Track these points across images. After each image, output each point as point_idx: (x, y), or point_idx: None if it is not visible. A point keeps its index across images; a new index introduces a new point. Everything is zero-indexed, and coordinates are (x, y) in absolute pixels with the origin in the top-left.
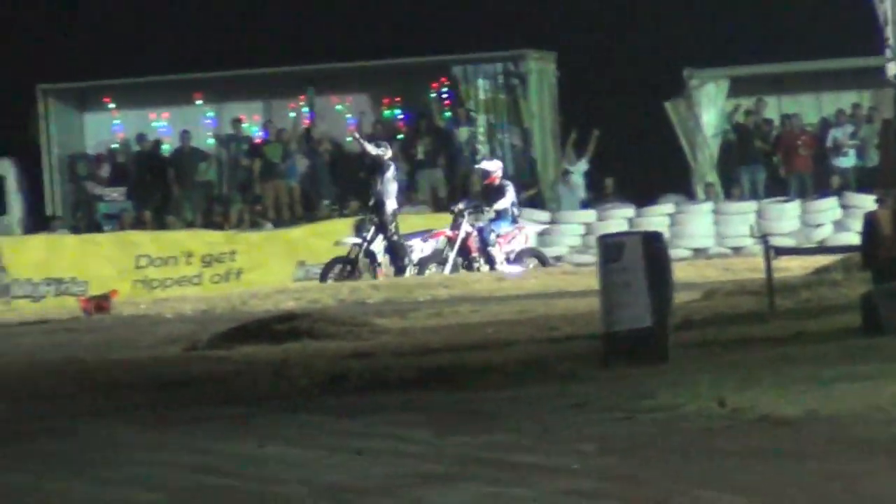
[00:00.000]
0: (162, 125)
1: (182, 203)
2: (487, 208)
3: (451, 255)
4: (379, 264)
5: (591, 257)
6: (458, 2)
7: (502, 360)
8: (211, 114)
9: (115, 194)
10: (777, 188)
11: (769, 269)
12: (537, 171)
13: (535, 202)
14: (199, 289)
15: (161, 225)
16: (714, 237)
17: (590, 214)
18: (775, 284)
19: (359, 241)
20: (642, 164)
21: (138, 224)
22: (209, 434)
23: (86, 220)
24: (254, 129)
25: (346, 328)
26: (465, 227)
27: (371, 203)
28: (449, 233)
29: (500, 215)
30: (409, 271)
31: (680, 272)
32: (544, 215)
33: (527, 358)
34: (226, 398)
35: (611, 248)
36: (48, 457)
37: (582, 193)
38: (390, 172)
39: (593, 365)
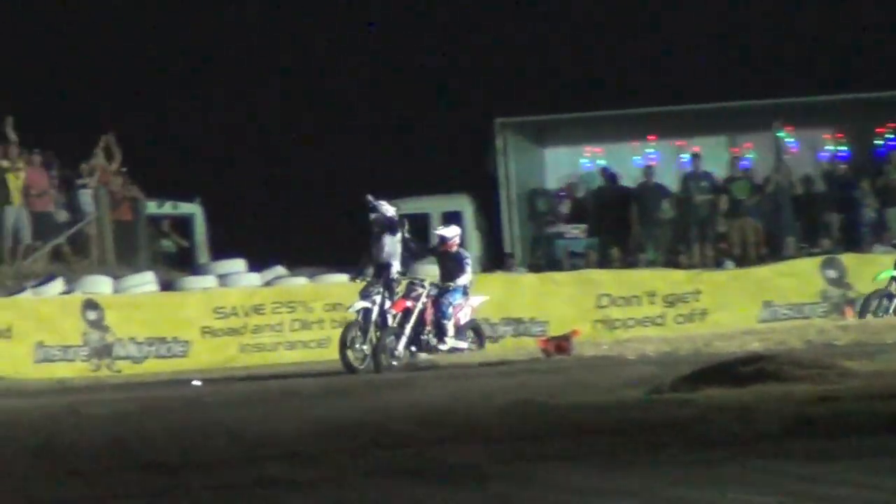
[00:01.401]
0: (622, 160)
1: (645, 241)
2: (452, 283)
3: (408, 327)
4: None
5: None
6: None
7: None
8: (671, 150)
9: (576, 231)
10: None
11: None
12: None
13: None
14: (663, 329)
15: (626, 264)
16: None
17: None
18: None
19: (367, 304)
20: None
21: (603, 263)
22: (669, 480)
23: (545, 257)
24: (716, 165)
25: (813, 371)
26: (424, 297)
27: (376, 264)
28: (407, 303)
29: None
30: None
31: None
32: None
33: None
34: (687, 443)
35: None
36: (507, 499)
37: None
38: (399, 234)
39: None
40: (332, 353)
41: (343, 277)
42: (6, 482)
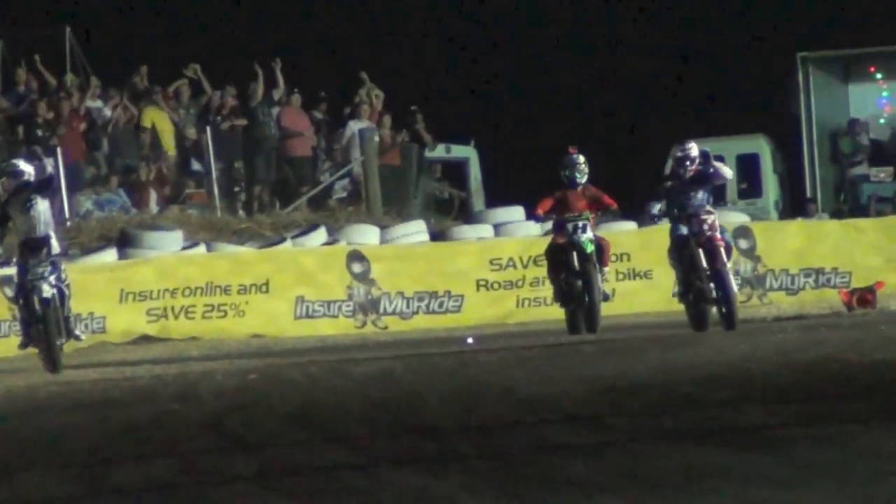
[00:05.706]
0: None
1: None
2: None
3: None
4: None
5: None
6: None
7: None
8: None
9: (883, 174)
10: None
11: None
12: None
13: None
14: None
15: None
16: None
17: None
18: None
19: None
20: None
21: None
22: None
23: (849, 203)
24: None
25: None
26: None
27: (27, 238)
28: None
29: None
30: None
31: None
32: None
33: None
34: None
35: None
36: (807, 466)
37: None
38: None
39: None
40: (617, 307)
41: (632, 225)
42: (263, 449)
